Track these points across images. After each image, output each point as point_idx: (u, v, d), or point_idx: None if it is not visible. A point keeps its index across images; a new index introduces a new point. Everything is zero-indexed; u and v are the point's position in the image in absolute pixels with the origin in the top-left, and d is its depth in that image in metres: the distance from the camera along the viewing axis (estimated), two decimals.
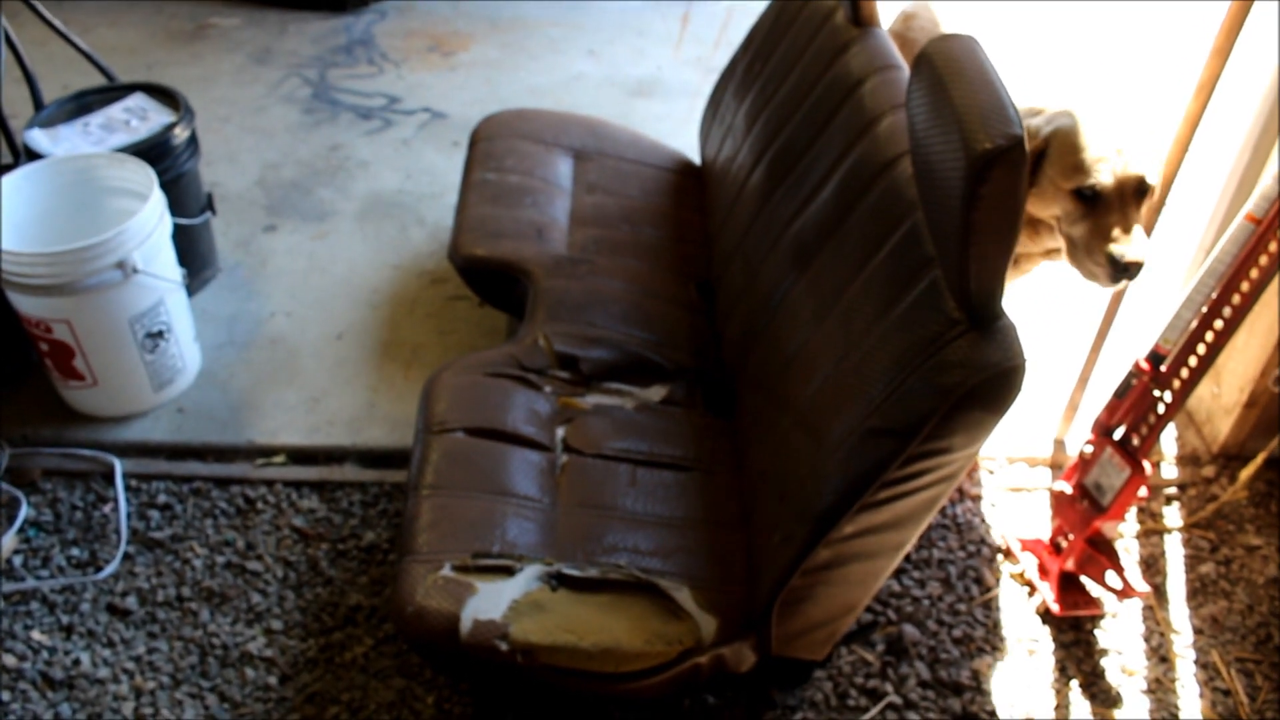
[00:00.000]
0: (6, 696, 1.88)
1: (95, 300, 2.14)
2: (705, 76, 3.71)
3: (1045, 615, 2.09)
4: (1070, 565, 2.06)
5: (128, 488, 2.23)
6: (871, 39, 1.93)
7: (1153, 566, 2.21)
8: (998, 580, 2.15)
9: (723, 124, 2.43)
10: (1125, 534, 2.27)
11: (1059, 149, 1.73)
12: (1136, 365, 1.95)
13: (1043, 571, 2.13)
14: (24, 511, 2.16)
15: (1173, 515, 2.32)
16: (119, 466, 2.25)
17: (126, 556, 2.10)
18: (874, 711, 1.91)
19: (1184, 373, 1.89)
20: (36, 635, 1.97)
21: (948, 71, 1.31)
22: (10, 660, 1.93)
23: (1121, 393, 1.98)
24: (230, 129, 3.36)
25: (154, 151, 2.39)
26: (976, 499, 2.31)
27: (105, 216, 2.28)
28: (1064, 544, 2.08)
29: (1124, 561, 2.00)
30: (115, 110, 2.51)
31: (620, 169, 2.54)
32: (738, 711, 1.89)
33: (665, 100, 3.61)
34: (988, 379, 1.31)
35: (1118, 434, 1.99)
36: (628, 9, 4.17)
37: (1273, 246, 1.79)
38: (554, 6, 4.16)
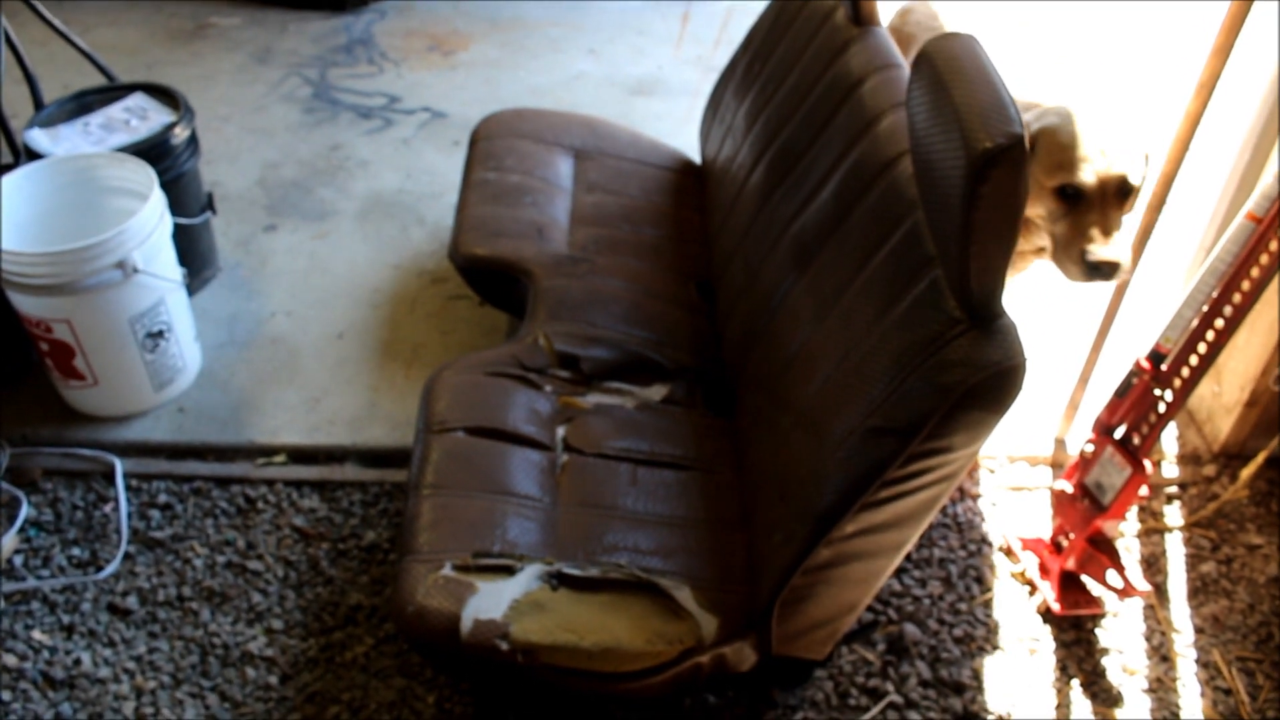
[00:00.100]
0: (7, 696, 1.88)
1: (95, 300, 2.14)
2: (705, 76, 3.71)
3: (1046, 614, 2.09)
4: (1071, 564, 2.06)
5: (128, 487, 2.23)
6: (871, 38, 1.92)
7: (1154, 565, 2.21)
8: (998, 579, 2.15)
9: (723, 123, 2.43)
10: (1126, 533, 2.27)
11: (1045, 147, 1.74)
12: (1137, 364, 1.95)
13: (1043, 570, 2.12)
14: (24, 511, 2.16)
15: (1174, 514, 2.32)
16: (119, 466, 2.25)
17: (127, 556, 2.10)
18: (875, 711, 1.91)
19: (1185, 372, 1.89)
20: (37, 635, 1.97)
21: (948, 70, 1.31)
22: (11, 660, 1.93)
23: (1122, 392, 1.98)
24: (230, 128, 3.36)
25: (154, 151, 2.39)
26: (977, 498, 2.31)
27: (105, 216, 2.28)
28: (1065, 543, 2.08)
29: (1125, 560, 2.00)
30: (115, 110, 2.51)
31: (620, 168, 2.54)
32: (739, 711, 1.89)
33: (665, 99, 3.61)
34: (988, 378, 1.31)
35: (1119, 433, 1.99)
36: (628, 8, 4.17)
37: (1273, 245, 1.79)
38: (554, 6, 4.15)
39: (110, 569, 2.07)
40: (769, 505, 1.63)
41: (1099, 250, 1.71)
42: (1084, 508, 2.02)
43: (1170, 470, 2.41)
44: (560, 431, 1.84)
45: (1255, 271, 1.81)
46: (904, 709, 1.92)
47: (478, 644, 1.49)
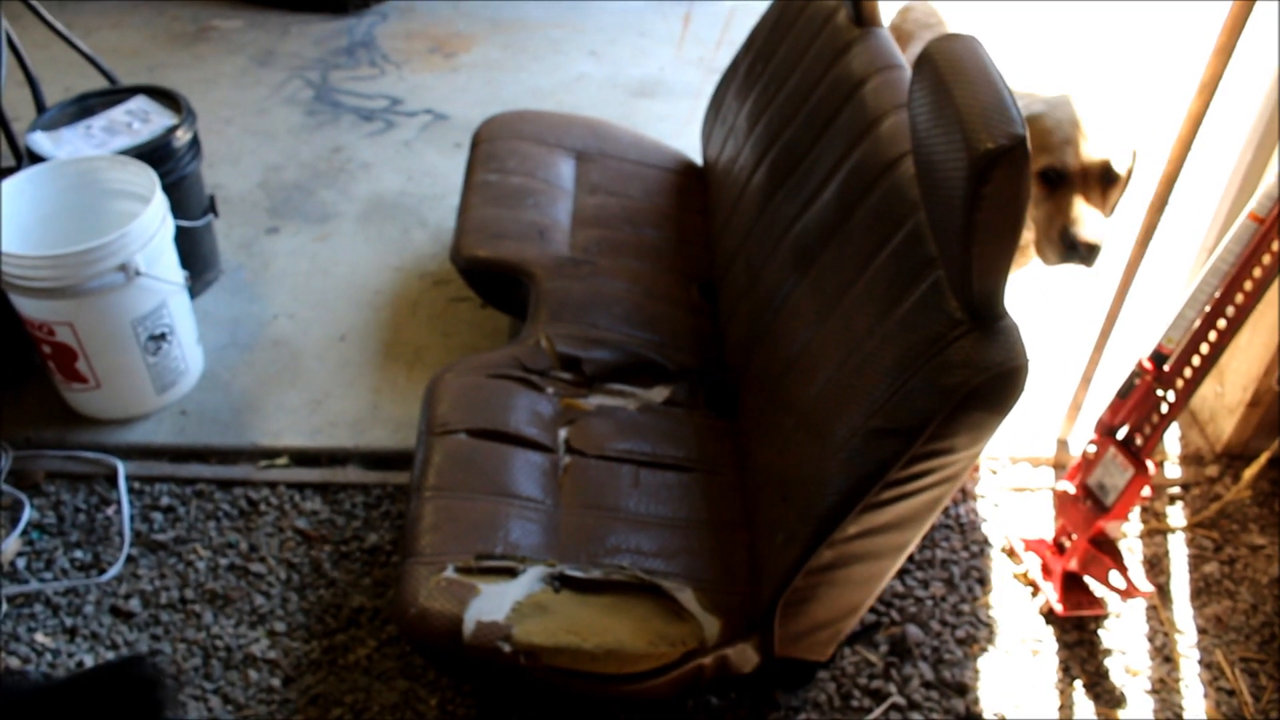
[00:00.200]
0: None
1: (98, 303, 2.15)
2: (707, 77, 3.71)
3: (1049, 615, 2.09)
4: (1074, 565, 2.06)
5: (131, 490, 2.23)
6: (873, 39, 1.92)
7: (1156, 566, 2.21)
8: (1001, 581, 2.15)
9: (725, 124, 2.43)
10: (1129, 534, 2.27)
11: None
12: (1140, 365, 1.95)
13: (1046, 571, 2.12)
14: (27, 514, 2.16)
15: (1176, 515, 2.32)
16: (122, 469, 2.25)
17: (130, 559, 2.11)
18: (877, 712, 1.91)
19: (1187, 372, 1.89)
20: (40, 638, 1.97)
21: (949, 71, 1.31)
22: (14, 662, 1.93)
23: (1125, 392, 1.98)
24: (232, 131, 3.36)
25: (156, 154, 2.39)
26: (979, 499, 2.30)
27: (107, 219, 2.28)
28: (1067, 544, 2.08)
29: (1127, 561, 1.99)
30: (117, 113, 2.52)
31: (622, 170, 2.54)
32: (741, 713, 1.89)
33: (667, 101, 3.61)
34: (990, 379, 1.31)
35: (1121, 434, 1.99)
36: (629, 9, 4.17)
37: (1275, 245, 1.79)
38: (555, 7, 4.16)
39: (113, 572, 2.08)
40: (771, 506, 1.63)
41: (1077, 230, 1.73)
42: (1086, 508, 2.02)
43: (1173, 471, 2.41)
44: (562, 433, 1.84)
45: (1257, 272, 1.81)
46: (906, 710, 1.92)
47: (480, 646, 1.49)
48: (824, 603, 1.56)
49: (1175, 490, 2.36)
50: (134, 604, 2.03)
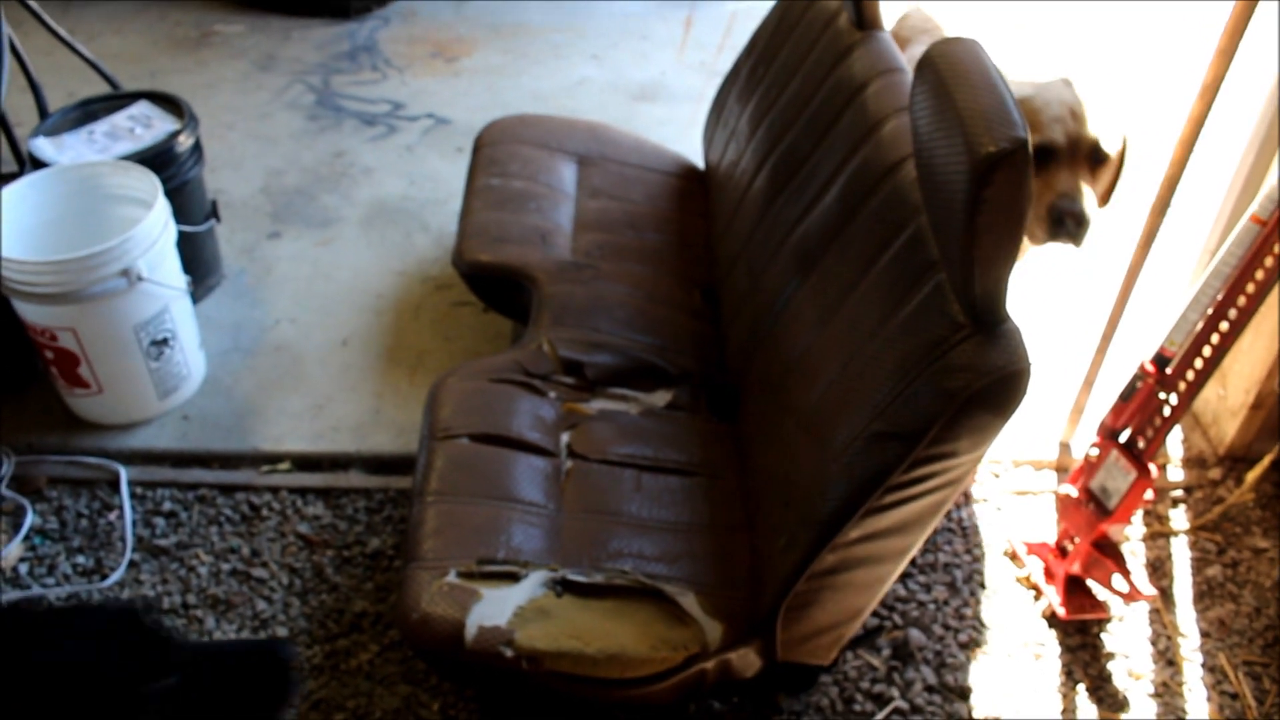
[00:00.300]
0: None
1: (100, 308, 2.15)
2: (709, 80, 3.71)
3: (1051, 619, 2.09)
4: (1076, 569, 2.06)
5: (133, 495, 2.23)
6: (875, 42, 1.93)
7: (1159, 569, 2.21)
8: (1003, 584, 2.15)
9: (726, 128, 2.43)
10: (1131, 537, 2.26)
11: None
12: (1142, 368, 1.95)
13: (1049, 575, 2.12)
14: (29, 519, 2.17)
15: (1179, 518, 2.31)
16: (124, 474, 2.25)
17: (132, 564, 2.11)
18: (880, 716, 1.91)
19: (1190, 375, 1.88)
20: None
21: (951, 75, 1.31)
22: None
23: (1127, 395, 1.97)
24: (234, 136, 3.36)
25: (158, 159, 2.40)
26: (982, 502, 2.30)
27: (110, 224, 2.29)
28: (1070, 547, 2.08)
29: (1130, 565, 1.99)
30: (120, 118, 2.52)
31: (624, 174, 2.54)
32: (743, 717, 1.88)
33: (669, 105, 3.61)
34: (993, 383, 1.31)
35: (1123, 437, 1.99)
36: (631, 13, 4.18)
37: (1278, 248, 1.79)
38: (557, 11, 4.16)
39: (115, 577, 2.08)
40: (773, 510, 1.63)
41: (1066, 204, 1.74)
42: (1089, 512, 2.02)
43: (1175, 474, 2.40)
44: (564, 438, 1.84)
45: (1260, 274, 1.81)
46: (909, 714, 1.92)
47: (482, 651, 1.49)
48: (826, 607, 1.56)
49: (1178, 493, 2.36)
50: None
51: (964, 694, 1.95)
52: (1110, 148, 1.78)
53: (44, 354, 2.25)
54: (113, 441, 2.33)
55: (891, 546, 1.50)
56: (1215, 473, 2.39)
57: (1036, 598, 2.12)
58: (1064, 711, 1.96)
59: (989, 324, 1.34)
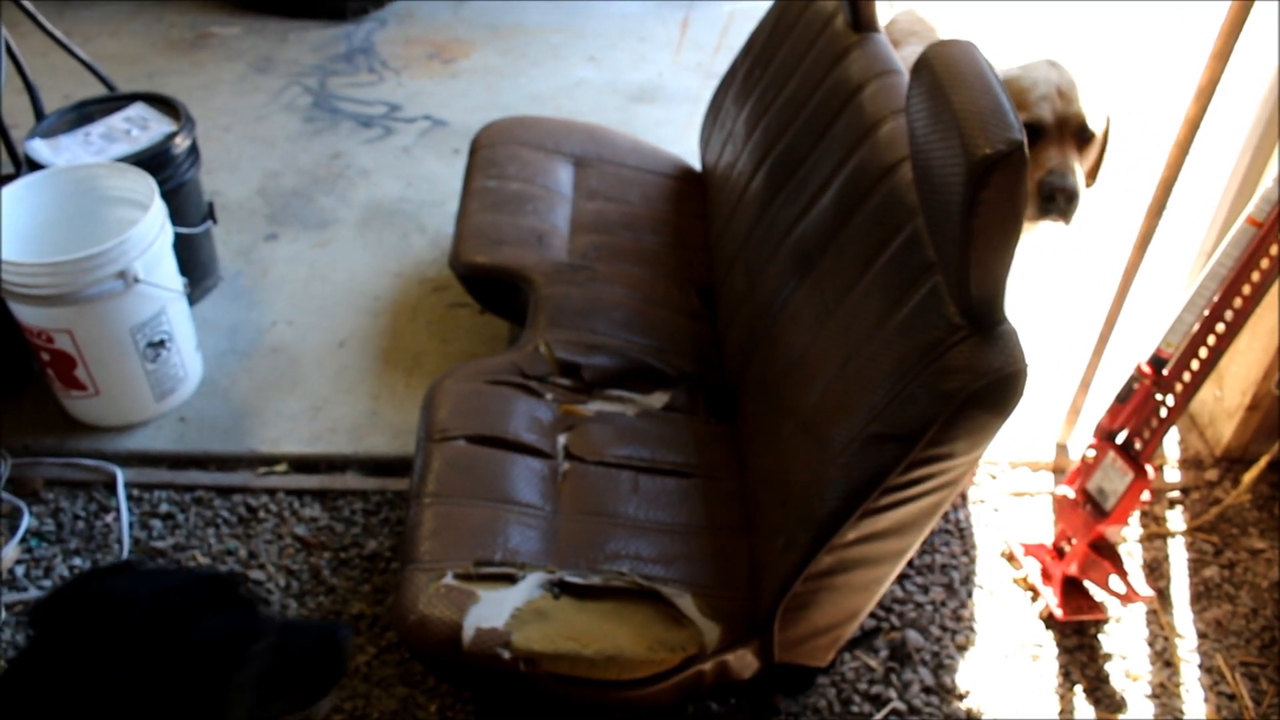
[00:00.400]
0: None
1: (97, 310, 2.15)
2: (706, 82, 3.71)
3: (1049, 620, 2.09)
4: (1073, 570, 2.06)
5: (130, 497, 2.23)
6: (871, 44, 1.93)
7: (1156, 570, 2.21)
8: (1001, 585, 2.15)
9: (723, 129, 2.43)
10: (1128, 538, 2.26)
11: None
12: (1139, 369, 1.95)
13: (1046, 576, 2.12)
14: (26, 521, 2.16)
15: (1176, 519, 2.31)
16: (121, 476, 2.25)
17: None
18: (878, 717, 1.91)
19: (1186, 377, 1.89)
20: None
21: (947, 76, 1.31)
22: None
23: (1124, 397, 1.98)
24: (231, 138, 3.36)
25: (155, 161, 2.39)
26: (979, 504, 2.30)
27: (106, 226, 2.28)
28: (1067, 548, 2.08)
29: (1127, 566, 1.99)
30: (116, 120, 2.52)
31: (621, 175, 2.54)
32: (741, 718, 1.88)
33: (666, 106, 3.61)
34: (990, 384, 1.31)
35: (1120, 438, 1.99)
36: (628, 15, 4.18)
37: (1274, 249, 1.79)
38: (554, 13, 4.16)
39: None
40: (771, 512, 1.63)
41: (1054, 179, 1.76)
42: (1086, 513, 2.02)
43: (1172, 475, 2.41)
44: (561, 439, 1.84)
45: (1256, 276, 1.81)
46: (906, 715, 1.92)
47: (480, 653, 1.49)
48: (824, 608, 1.56)
49: (1175, 494, 2.36)
50: None
51: (961, 695, 1.95)
52: (1096, 126, 1.80)
53: (40, 356, 2.24)
54: (109, 443, 2.33)
55: (889, 548, 1.51)
56: (1212, 474, 2.39)
57: (1034, 599, 2.12)
58: (1061, 712, 1.96)
59: (986, 325, 1.34)
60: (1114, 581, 1.97)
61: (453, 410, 1.82)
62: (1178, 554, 2.25)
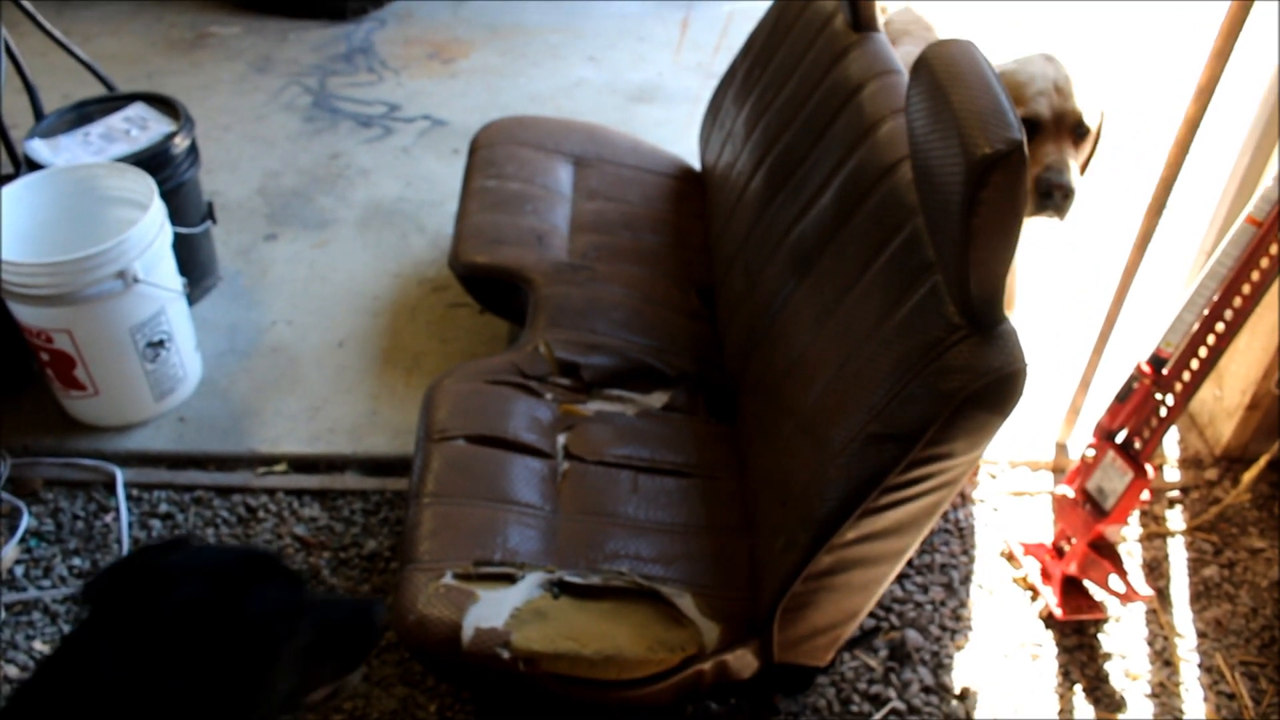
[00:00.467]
0: None
1: (96, 310, 2.14)
2: (705, 81, 3.71)
3: (1048, 619, 2.09)
4: (1073, 569, 2.06)
5: (129, 497, 2.23)
6: (871, 44, 1.93)
7: (1156, 570, 2.21)
8: (1000, 585, 2.15)
9: (723, 129, 2.43)
10: (1128, 537, 2.26)
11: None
12: (1138, 368, 1.95)
13: (1045, 576, 2.12)
14: (25, 521, 2.16)
15: (1175, 519, 2.31)
16: (120, 476, 2.25)
17: None
18: (877, 717, 1.91)
19: (1186, 376, 1.89)
20: (39, 646, 1.97)
21: (946, 76, 1.31)
22: (13, 671, 1.93)
23: (1123, 396, 1.97)
24: (231, 138, 3.36)
25: (154, 161, 2.39)
26: (979, 503, 2.30)
27: (106, 226, 2.28)
28: (1066, 548, 2.08)
29: (1127, 565, 1.99)
30: (115, 120, 2.52)
31: (620, 175, 2.54)
32: (741, 718, 1.88)
33: (665, 106, 3.61)
34: (989, 384, 1.31)
35: (1120, 437, 1.99)
36: (628, 14, 4.18)
37: (1274, 249, 1.79)
38: (554, 13, 4.16)
39: None
40: (771, 511, 1.63)
41: (1053, 175, 1.77)
42: (1086, 512, 2.02)
43: (1172, 474, 2.41)
44: (561, 439, 1.84)
45: (1256, 275, 1.81)
46: (906, 715, 1.92)
47: (479, 652, 1.49)
48: (823, 608, 1.56)
49: (1174, 494, 2.36)
50: None
51: (961, 695, 1.95)
52: (1091, 121, 1.81)
53: (40, 356, 2.24)
54: (109, 443, 2.33)
55: (888, 547, 1.50)
56: (1212, 473, 2.39)
57: (1033, 598, 2.12)
58: (1061, 712, 1.96)
59: (985, 325, 1.34)
60: (1113, 581, 1.97)
61: (452, 410, 1.82)
62: (1177, 553, 2.25)
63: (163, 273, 2.25)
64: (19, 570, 2.09)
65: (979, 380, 1.31)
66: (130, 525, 2.17)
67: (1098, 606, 2.08)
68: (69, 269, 2.06)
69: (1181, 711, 1.97)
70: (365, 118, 3.49)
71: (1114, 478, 1.96)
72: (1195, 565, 2.22)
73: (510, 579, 1.57)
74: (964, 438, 1.36)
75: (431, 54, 3.89)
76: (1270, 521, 2.29)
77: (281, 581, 1.08)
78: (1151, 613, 2.12)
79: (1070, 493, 2.07)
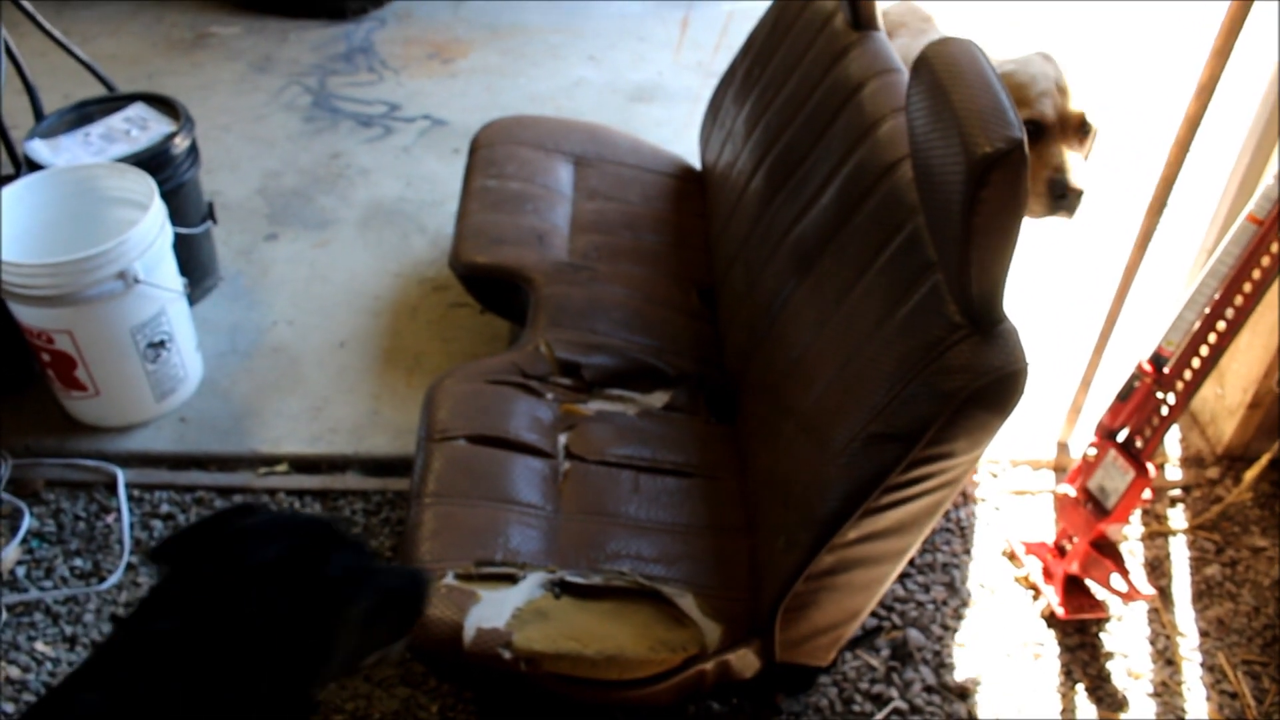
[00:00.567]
0: (10, 708, 1.87)
1: (97, 310, 2.14)
2: (705, 81, 3.71)
3: (1050, 619, 2.09)
4: (1075, 568, 2.06)
5: (130, 498, 2.23)
6: (871, 42, 1.92)
7: (1158, 569, 2.21)
8: (1002, 584, 2.15)
9: (723, 129, 2.43)
10: (1130, 536, 2.26)
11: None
12: (1139, 367, 1.95)
13: (1047, 575, 2.12)
14: (27, 522, 2.16)
15: (1177, 517, 2.31)
16: (121, 476, 2.25)
17: (130, 567, 2.10)
18: (879, 717, 1.91)
19: (1187, 375, 1.88)
20: (40, 646, 1.97)
21: (947, 75, 1.31)
22: (14, 672, 1.93)
23: (1124, 395, 1.97)
24: (231, 138, 3.36)
25: (155, 161, 2.39)
26: (980, 502, 2.30)
27: (106, 227, 2.28)
28: (1068, 547, 2.08)
29: (1129, 564, 1.99)
30: (116, 120, 2.52)
31: (621, 175, 2.54)
32: (742, 718, 1.88)
33: (666, 105, 3.61)
34: (990, 383, 1.31)
35: (1121, 436, 1.99)
36: (627, 14, 4.17)
37: (1275, 247, 1.79)
38: (554, 12, 4.16)
39: (113, 580, 2.07)
40: (772, 511, 1.63)
41: (1066, 177, 1.78)
42: (1087, 511, 2.02)
43: (1173, 473, 2.40)
44: (562, 439, 1.84)
45: (1257, 273, 1.81)
46: (908, 715, 1.92)
47: (481, 653, 1.49)
48: (825, 608, 1.56)
49: (1176, 493, 2.36)
50: None
51: (963, 694, 1.95)
52: (1095, 119, 1.81)
53: (41, 356, 2.24)
54: (110, 444, 2.33)
55: (890, 547, 1.50)
56: (1213, 472, 2.39)
57: (1035, 597, 2.12)
58: (1063, 711, 1.95)
59: (986, 324, 1.34)
60: (1115, 580, 1.97)
61: (453, 410, 1.82)
62: (1179, 552, 2.24)
63: (163, 273, 2.25)
64: (20, 571, 2.09)
65: (980, 380, 1.31)
66: (132, 526, 2.17)
67: (1099, 606, 2.08)
68: (70, 270, 2.06)
69: (1184, 711, 1.97)
70: (365, 117, 3.49)
71: (1115, 476, 1.96)
72: (1197, 564, 2.22)
73: (512, 579, 1.57)
74: (965, 437, 1.36)
75: (432, 54, 3.88)
76: (1272, 520, 2.29)
77: (351, 547, 1.10)
78: (1153, 612, 2.12)
79: (1072, 492, 2.07)
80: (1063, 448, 2.42)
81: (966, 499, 2.30)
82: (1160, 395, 1.92)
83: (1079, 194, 1.77)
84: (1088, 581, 2.09)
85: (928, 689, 1.96)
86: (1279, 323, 2.18)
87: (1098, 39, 3.98)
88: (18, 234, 2.20)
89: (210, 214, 2.64)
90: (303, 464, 2.31)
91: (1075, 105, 1.79)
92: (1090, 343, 2.27)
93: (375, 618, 1.16)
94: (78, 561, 2.11)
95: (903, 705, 1.93)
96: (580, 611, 1.56)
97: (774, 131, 2.09)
